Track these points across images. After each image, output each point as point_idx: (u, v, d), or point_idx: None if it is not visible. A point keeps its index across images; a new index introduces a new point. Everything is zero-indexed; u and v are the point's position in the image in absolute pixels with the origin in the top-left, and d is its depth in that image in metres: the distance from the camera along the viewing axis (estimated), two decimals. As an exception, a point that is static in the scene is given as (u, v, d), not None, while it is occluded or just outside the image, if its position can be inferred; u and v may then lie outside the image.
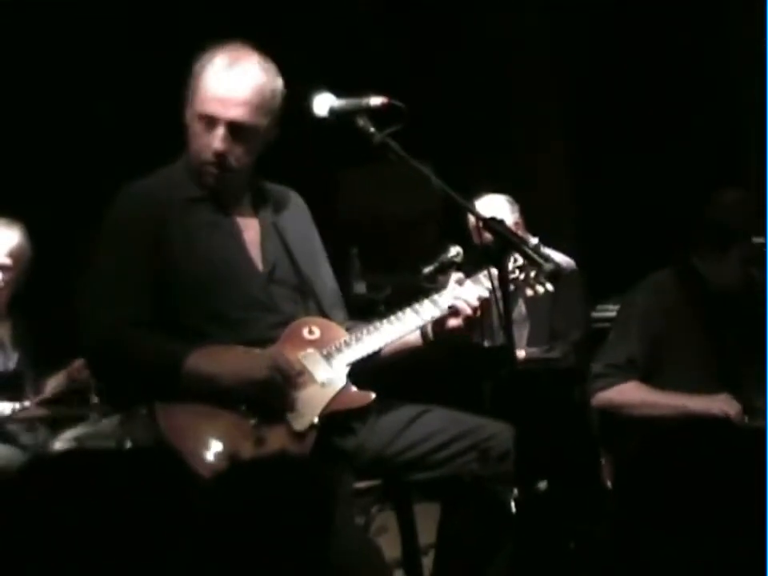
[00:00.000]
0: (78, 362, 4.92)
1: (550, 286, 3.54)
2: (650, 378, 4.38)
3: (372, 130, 3.34)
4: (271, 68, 3.56)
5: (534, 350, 5.87)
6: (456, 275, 3.64)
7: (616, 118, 7.26)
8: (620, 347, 4.43)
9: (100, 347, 3.41)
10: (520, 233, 5.85)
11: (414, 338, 3.62)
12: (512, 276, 3.53)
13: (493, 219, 3.21)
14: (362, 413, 3.49)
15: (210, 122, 3.47)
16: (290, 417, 3.37)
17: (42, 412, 4.97)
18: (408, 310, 3.56)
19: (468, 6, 7.54)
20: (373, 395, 3.47)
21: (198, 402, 3.32)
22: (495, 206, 5.84)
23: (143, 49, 6.69)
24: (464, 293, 3.54)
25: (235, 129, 3.47)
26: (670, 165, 7.05)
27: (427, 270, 5.00)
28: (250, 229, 3.61)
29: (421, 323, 3.56)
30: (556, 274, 3.21)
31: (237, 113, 3.47)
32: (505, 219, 5.61)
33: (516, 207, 5.94)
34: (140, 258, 3.44)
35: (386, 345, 3.55)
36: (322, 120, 3.42)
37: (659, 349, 4.40)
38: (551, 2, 7.53)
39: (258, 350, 3.41)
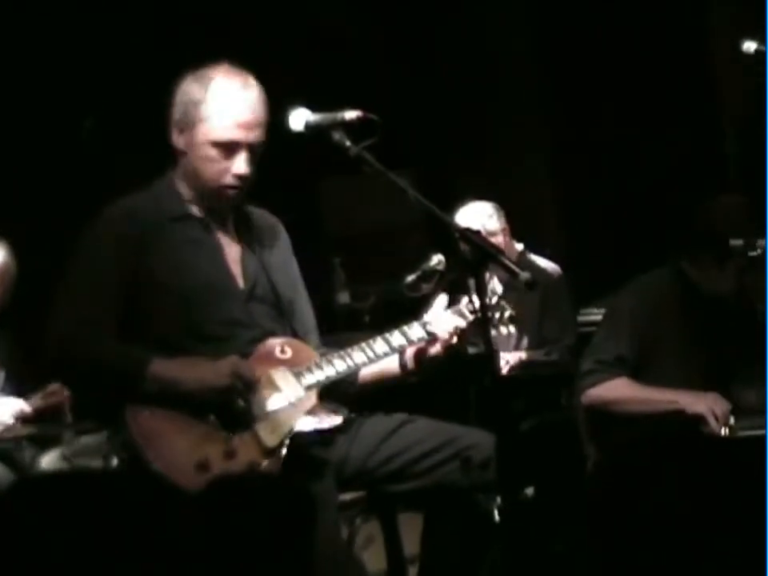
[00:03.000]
0: (52, 386, 4.94)
1: (512, 329, 3.65)
2: (639, 375, 4.40)
3: (348, 143, 3.37)
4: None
5: (535, 353, 5.89)
6: (441, 299, 3.67)
7: (599, 125, 7.28)
8: (609, 344, 4.44)
9: (61, 353, 3.43)
10: (507, 239, 5.89)
11: (393, 367, 3.66)
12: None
13: (468, 230, 3.23)
14: (332, 432, 3.50)
15: (231, 147, 3.50)
16: (260, 432, 3.39)
17: (28, 430, 4.98)
18: (379, 339, 3.59)
19: (450, 16, 7.57)
20: (341, 418, 3.49)
21: (169, 409, 3.35)
22: (482, 212, 5.85)
23: (128, 66, 6.70)
24: (441, 323, 3.59)
25: (253, 150, 3.53)
26: (653, 171, 7.08)
27: (410, 278, 5.03)
28: (231, 246, 3.63)
29: (390, 351, 3.59)
30: (532, 283, 3.22)
31: (256, 135, 3.53)
32: (491, 226, 5.72)
33: (502, 213, 5.96)
34: (110, 272, 3.47)
35: (355, 368, 3.57)
36: (298, 134, 3.46)
37: (648, 347, 4.41)
38: (533, 11, 7.57)
39: (220, 359, 3.42)
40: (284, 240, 3.78)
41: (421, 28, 7.51)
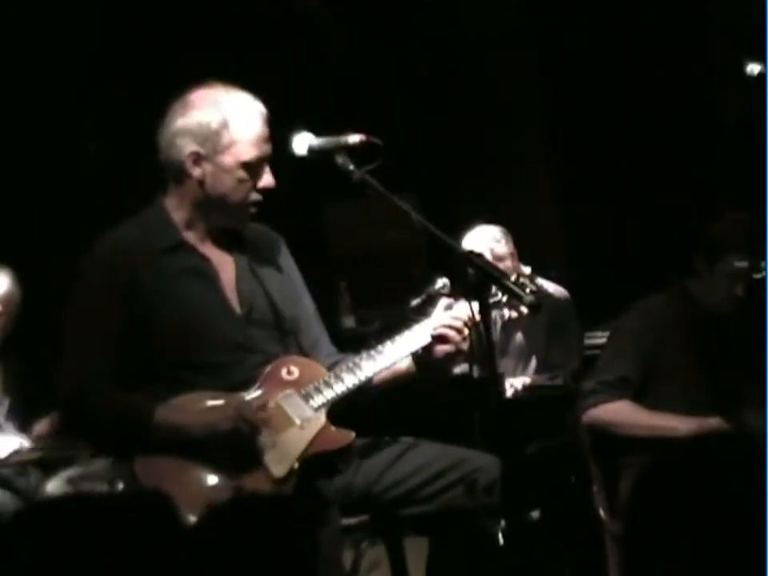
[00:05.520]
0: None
1: (523, 309, 3.49)
2: (642, 397, 4.39)
3: (351, 167, 3.37)
4: None
5: (540, 378, 5.87)
6: (445, 301, 3.62)
7: (603, 147, 7.29)
8: (612, 365, 4.43)
9: (69, 406, 3.48)
10: (515, 263, 5.88)
11: (407, 365, 3.60)
12: (494, 299, 3.51)
13: (472, 253, 3.24)
14: (343, 453, 3.48)
15: (259, 164, 3.50)
16: (268, 463, 3.37)
17: (33, 455, 4.97)
18: (387, 343, 3.55)
19: (454, 42, 7.59)
20: (353, 435, 3.47)
21: (174, 456, 3.35)
22: (490, 236, 5.84)
23: (128, 89, 6.71)
24: (444, 318, 3.54)
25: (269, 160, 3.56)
26: (658, 192, 7.08)
27: (414, 302, 5.03)
28: (226, 271, 3.58)
29: (399, 356, 3.55)
30: (536, 306, 3.23)
31: (271, 144, 3.54)
32: (500, 250, 5.72)
33: (510, 238, 5.94)
34: (111, 314, 3.44)
35: (366, 381, 3.53)
36: (302, 158, 3.46)
37: (651, 369, 4.41)
38: (533, 37, 7.59)
39: (223, 400, 3.41)
40: (283, 254, 3.72)
41: (424, 52, 7.53)
